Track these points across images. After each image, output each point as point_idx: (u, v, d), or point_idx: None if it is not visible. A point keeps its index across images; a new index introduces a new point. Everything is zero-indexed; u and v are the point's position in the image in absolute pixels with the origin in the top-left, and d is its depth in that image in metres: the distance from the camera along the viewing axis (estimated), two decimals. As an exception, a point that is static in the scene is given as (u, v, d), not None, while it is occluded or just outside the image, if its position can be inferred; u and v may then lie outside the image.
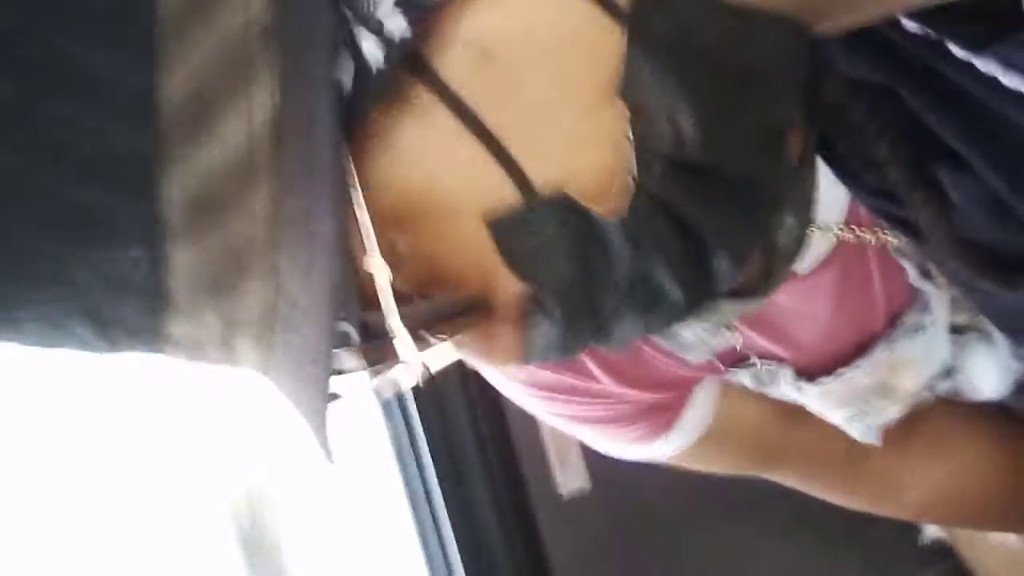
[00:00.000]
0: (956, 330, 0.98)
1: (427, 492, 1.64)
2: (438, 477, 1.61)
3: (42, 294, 0.44)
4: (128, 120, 0.42)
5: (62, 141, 0.42)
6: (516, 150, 0.47)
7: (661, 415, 0.96)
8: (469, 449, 1.62)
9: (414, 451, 1.61)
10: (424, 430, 1.60)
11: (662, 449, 0.98)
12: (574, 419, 0.97)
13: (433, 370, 0.50)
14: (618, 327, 0.51)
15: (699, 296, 0.51)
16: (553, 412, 0.97)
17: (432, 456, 1.60)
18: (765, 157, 0.50)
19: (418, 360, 0.49)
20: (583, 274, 0.49)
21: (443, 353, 0.50)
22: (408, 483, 1.63)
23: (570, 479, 1.62)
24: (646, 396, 0.95)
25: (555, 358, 0.53)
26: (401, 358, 0.48)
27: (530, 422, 1.33)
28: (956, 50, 0.54)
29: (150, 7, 0.42)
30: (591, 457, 1.53)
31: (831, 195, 0.86)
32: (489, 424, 1.61)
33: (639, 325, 0.52)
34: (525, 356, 0.53)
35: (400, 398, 1.59)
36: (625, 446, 0.99)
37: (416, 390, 1.49)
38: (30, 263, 0.43)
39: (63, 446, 1.37)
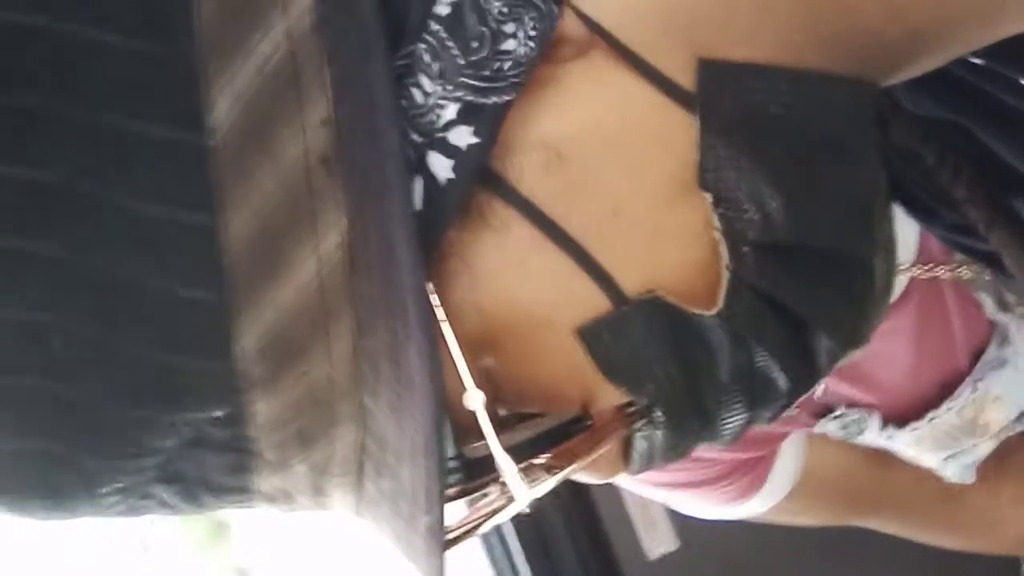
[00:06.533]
0: (1040, 355, 0.97)
1: (512, 565, 1.62)
2: (522, 547, 1.60)
3: (128, 464, 0.41)
4: (193, 272, 0.40)
5: (131, 302, 0.39)
6: (601, 254, 0.44)
7: (751, 473, 0.95)
8: (553, 517, 1.60)
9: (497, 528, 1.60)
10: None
11: (755, 507, 0.97)
12: (665, 485, 0.96)
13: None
14: (726, 424, 0.49)
15: (806, 380, 0.49)
16: (642, 480, 0.96)
17: (516, 529, 1.59)
18: (856, 226, 0.47)
19: (528, 494, 0.45)
20: (685, 374, 0.46)
21: (551, 484, 0.46)
22: (494, 561, 1.61)
23: (657, 540, 1.60)
24: (736, 456, 0.94)
25: (663, 464, 0.50)
26: (513, 494, 0.44)
27: (613, 486, 1.31)
28: (1024, 80, 0.53)
29: (201, 139, 0.39)
30: (677, 515, 1.51)
31: (901, 232, 0.85)
32: (570, 488, 1.60)
33: (747, 418, 0.49)
34: (631, 467, 0.50)
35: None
36: (717, 508, 0.97)
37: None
38: (114, 433, 0.41)
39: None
